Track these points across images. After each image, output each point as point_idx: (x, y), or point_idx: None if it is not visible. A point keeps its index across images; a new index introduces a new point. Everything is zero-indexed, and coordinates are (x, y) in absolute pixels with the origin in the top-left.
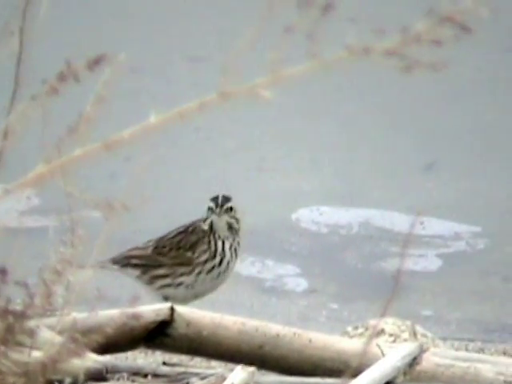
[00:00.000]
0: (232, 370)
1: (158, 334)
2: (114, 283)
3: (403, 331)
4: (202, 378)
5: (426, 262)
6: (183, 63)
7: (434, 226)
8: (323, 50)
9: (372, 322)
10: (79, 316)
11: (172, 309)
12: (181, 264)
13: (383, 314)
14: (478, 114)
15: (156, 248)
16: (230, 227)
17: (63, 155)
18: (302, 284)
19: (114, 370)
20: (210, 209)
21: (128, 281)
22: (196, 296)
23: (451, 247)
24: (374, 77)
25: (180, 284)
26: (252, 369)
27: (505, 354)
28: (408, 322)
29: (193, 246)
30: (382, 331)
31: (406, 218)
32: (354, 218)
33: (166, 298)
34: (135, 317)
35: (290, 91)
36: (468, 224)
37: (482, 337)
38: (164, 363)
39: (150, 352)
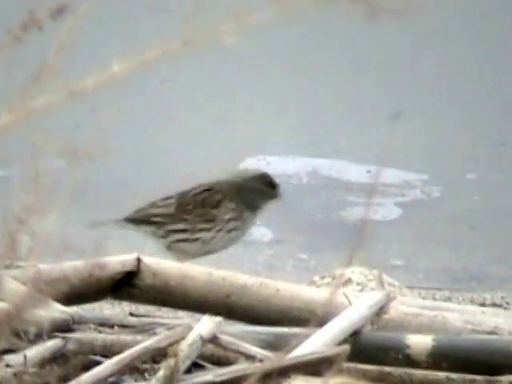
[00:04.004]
0: (199, 320)
1: (125, 285)
2: (80, 234)
3: (370, 280)
4: (169, 329)
5: (385, 210)
6: (147, 14)
7: (383, 174)
8: None
9: (339, 272)
10: (44, 266)
11: (138, 259)
12: (204, 220)
13: (349, 263)
14: (445, 63)
15: (179, 206)
16: None
17: (27, 105)
18: (267, 234)
19: (80, 321)
20: (266, 192)
21: (95, 232)
22: (206, 253)
23: (407, 196)
24: (340, 25)
25: (197, 239)
26: (219, 319)
27: (472, 302)
28: (375, 271)
29: (218, 204)
30: (349, 280)
31: (355, 166)
32: (301, 167)
33: (176, 252)
34: (100, 267)
35: (256, 42)
36: (415, 172)
37: (450, 285)
38: (131, 314)
39: (116, 303)
